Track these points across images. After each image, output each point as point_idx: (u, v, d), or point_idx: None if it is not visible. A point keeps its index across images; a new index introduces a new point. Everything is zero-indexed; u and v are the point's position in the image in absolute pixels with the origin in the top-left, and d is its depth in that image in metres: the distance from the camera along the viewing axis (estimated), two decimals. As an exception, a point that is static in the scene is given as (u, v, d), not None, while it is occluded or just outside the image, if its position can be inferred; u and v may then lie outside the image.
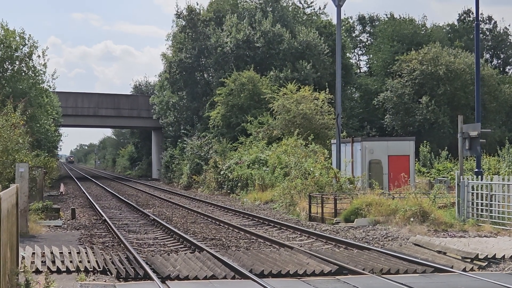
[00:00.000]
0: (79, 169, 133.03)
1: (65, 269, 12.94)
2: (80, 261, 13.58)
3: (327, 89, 44.18)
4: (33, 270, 12.51)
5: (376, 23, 68.74)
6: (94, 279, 12.18)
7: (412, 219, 19.78)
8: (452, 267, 13.20)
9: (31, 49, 35.84)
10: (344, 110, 47.05)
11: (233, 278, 12.32)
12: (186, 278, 12.24)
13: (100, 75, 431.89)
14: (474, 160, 33.32)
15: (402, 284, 11.21)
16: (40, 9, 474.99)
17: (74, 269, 12.95)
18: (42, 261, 13.59)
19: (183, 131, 54.68)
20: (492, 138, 47.71)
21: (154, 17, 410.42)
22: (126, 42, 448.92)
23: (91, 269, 12.99)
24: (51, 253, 14.42)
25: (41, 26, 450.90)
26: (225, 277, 12.30)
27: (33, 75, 36.11)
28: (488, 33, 69.02)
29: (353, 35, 70.11)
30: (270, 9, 57.40)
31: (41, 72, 36.66)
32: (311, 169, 29.63)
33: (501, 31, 69.43)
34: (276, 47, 52.28)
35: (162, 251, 16.29)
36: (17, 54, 35.40)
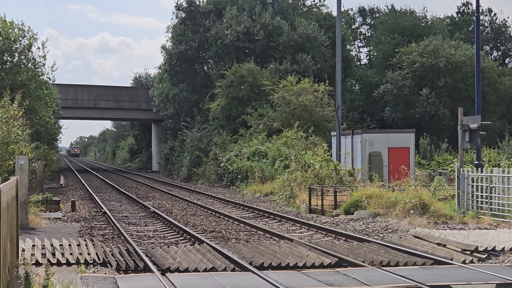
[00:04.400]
0: (79, 161, 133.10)
1: (65, 262, 12.95)
2: (80, 254, 13.58)
3: (327, 81, 44.16)
4: (33, 262, 12.52)
5: (377, 15, 68.60)
6: (94, 272, 12.18)
7: (412, 212, 19.79)
8: (451, 259, 13.21)
9: (31, 41, 35.75)
10: (344, 103, 47.02)
11: (233, 270, 12.33)
12: (186, 270, 12.25)
13: (98, 67, 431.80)
14: (474, 153, 33.31)
15: (401, 276, 11.21)
16: (35, 0, 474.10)
17: (74, 262, 12.95)
18: (42, 254, 13.59)
19: (183, 123, 54.66)
20: (492, 130, 47.67)
21: (151, 9, 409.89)
22: (123, 34, 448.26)
23: (91, 262, 13.00)
24: (51, 245, 14.42)
25: (37, 18, 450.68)
26: (225, 269, 12.31)
27: (32, 67, 36.03)
28: (487, 25, 68.88)
29: (353, 27, 69.98)
30: (270, 1, 57.31)
31: (41, 64, 36.59)
32: (311, 161, 29.64)
33: (501, 23, 69.30)
34: (276, 40, 52.18)
35: (162, 244, 16.30)
36: (16, 46, 35.31)
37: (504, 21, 69.35)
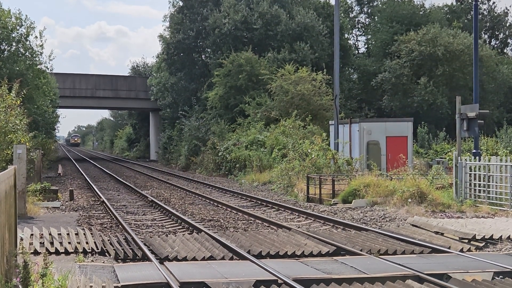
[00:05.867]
0: (77, 150, 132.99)
1: (63, 250, 12.96)
2: (78, 243, 13.60)
3: (325, 70, 44.07)
4: (32, 251, 12.52)
5: (375, 4, 68.36)
6: (92, 260, 12.20)
7: (410, 200, 19.83)
8: (449, 248, 13.23)
9: (28, 30, 35.65)
10: (342, 91, 46.93)
11: (231, 259, 12.35)
12: (185, 259, 12.26)
13: (95, 56, 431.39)
14: (472, 141, 33.33)
15: (399, 264, 11.24)
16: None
17: (72, 250, 12.97)
18: (40, 243, 13.60)
19: (181, 112, 54.61)
20: (490, 119, 47.63)
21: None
22: (119, 22, 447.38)
23: (90, 250, 13.01)
24: (50, 234, 14.43)
25: (33, 7, 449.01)
26: (223, 258, 12.32)
27: (30, 56, 35.95)
28: (486, 14, 68.70)
29: (351, 15, 69.75)
30: (268, -11, 57.05)
31: (38, 53, 36.51)
32: (309, 150, 29.64)
33: (500, 11, 69.14)
34: (273, 29, 52.03)
35: (160, 232, 16.32)
36: (13, 35, 35.20)
37: (505, 10, 69.11)
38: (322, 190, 23.70)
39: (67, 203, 23.35)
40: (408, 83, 50.52)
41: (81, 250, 12.94)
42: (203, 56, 59.72)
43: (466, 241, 13.97)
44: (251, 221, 18.52)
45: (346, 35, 59.60)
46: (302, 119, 38.15)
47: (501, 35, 69.06)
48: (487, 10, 68.79)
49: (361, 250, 12.89)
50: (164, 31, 60.97)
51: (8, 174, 9.06)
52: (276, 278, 10.23)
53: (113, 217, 19.17)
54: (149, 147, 78.52)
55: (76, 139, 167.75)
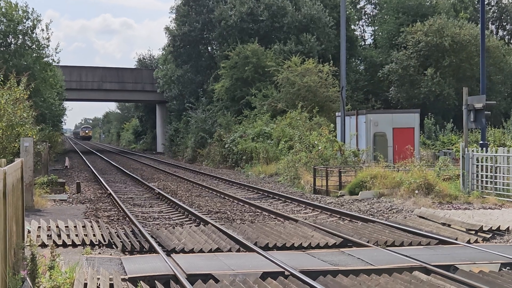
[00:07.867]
0: (84, 143, 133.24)
1: (70, 243, 13.01)
2: (85, 235, 13.64)
3: (332, 61, 43.98)
4: (39, 244, 12.56)
5: (381, -5, 68.12)
6: (99, 253, 12.24)
7: (416, 192, 19.80)
8: (456, 239, 13.22)
9: (34, 22, 35.69)
10: (348, 83, 46.82)
11: (238, 251, 12.36)
12: (191, 251, 12.28)
13: (101, 49, 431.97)
14: (479, 132, 33.24)
15: (406, 256, 11.23)
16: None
17: (79, 243, 13.01)
18: (47, 235, 13.65)
19: (187, 104, 54.65)
20: (497, 110, 47.45)
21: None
22: (124, 14, 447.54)
23: (97, 243, 13.05)
24: (57, 227, 14.48)
25: (38, 0, 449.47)
26: (230, 250, 12.34)
27: (36, 49, 36.00)
28: (493, 4, 68.35)
29: (358, 6, 69.54)
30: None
31: (45, 46, 36.56)
32: (315, 142, 29.62)
33: (507, 2, 68.74)
34: (280, 20, 51.94)
35: (167, 225, 16.35)
36: (20, 28, 35.24)
37: (510, 1, 68.74)
38: (329, 181, 23.69)
39: (74, 195, 23.41)
40: (415, 74, 50.34)
41: (88, 243, 12.98)
42: (209, 48, 59.68)
43: (473, 232, 13.95)
44: (258, 213, 18.54)
45: (352, 27, 59.41)
46: (309, 111, 38.10)
47: (508, 26, 68.69)
48: (495, 1, 68.43)
49: (368, 242, 12.89)
50: (170, 23, 60.99)
51: (15, 167, 9.08)
52: (283, 270, 10.23)
53: (120, 209, 19.22)
54: (155, 139, 78.61)
55: (87, 132, 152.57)
